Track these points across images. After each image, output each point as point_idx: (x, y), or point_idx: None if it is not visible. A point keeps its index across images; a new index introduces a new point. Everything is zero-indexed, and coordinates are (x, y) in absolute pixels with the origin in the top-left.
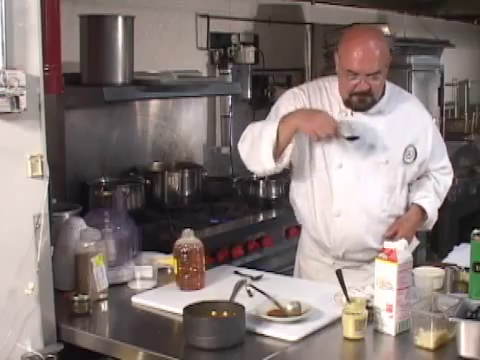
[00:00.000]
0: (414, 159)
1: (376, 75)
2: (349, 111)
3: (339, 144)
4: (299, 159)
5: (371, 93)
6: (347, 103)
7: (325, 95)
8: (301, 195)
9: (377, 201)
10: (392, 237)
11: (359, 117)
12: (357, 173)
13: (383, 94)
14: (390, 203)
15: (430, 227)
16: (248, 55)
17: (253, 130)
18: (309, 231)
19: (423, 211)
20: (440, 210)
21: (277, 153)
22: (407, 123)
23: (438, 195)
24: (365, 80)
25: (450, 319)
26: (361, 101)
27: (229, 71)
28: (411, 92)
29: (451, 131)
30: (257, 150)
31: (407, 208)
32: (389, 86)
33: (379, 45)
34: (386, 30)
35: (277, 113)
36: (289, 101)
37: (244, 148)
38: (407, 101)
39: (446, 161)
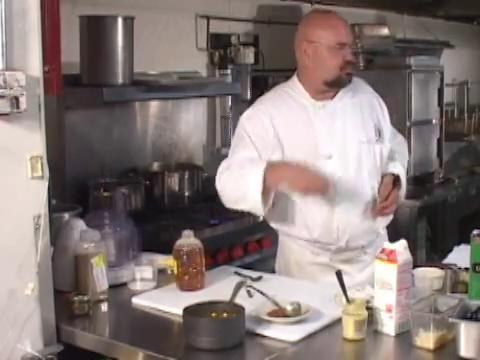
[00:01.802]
0: (381, 137)
1: (352, 46)
2: (320, 103)
3: (323, 135)
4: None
5: (355, 64)
6: (333, 83)
7: (289, 99)
8: (292, 198)
9: (366, 180)
10: (386, 200)
11: (331, 106)
12: (344, 159)
13: None
14: (376, 180)
15: (402, 198)
16: (248, 56)
17: (233, 178)
18: (302, 232)
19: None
20: (439, 210)
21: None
22: (368, 103)
23: (400, 163)
24: (351, 50)
25: (450, 320)
26: (349, 74)
27: (229, 72)
28: (411, 93)
29: (451, 132)
30: (244, 201)
31: None
32: None
33: (345, 20)
34: (386, 31)
35: (243, 140)
36: (253, 122)
37: (225, 193)
38: (360, 83)
39: (396, 133)
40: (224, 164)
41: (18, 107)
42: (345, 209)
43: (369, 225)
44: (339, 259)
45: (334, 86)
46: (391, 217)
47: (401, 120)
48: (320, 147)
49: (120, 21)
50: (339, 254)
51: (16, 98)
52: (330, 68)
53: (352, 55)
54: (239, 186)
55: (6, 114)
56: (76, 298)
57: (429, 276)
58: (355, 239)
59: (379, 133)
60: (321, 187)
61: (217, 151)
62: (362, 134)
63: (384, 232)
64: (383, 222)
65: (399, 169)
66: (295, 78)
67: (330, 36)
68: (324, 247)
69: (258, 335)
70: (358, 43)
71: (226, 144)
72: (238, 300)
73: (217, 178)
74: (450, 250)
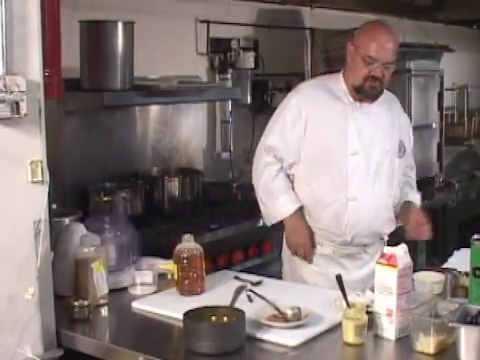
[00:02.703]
0: (403, 153)
1: (389, 65)
2: (357, 104)
3: (353, 132)
4: (311, 150)
5: (382, 82)
6: (358, 90)
7: (328, 91)
8: (307, 183)
9: (384, 186)
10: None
11: (368, 108)
12: (369, 159)
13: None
14: (392, 190)
15: None
16: (248, 60)
17: (264, 194)
18: (314, 220)
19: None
20: (440, 214)
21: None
22: (397, 120)
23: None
24: (381, 68)
25: (450, 324)
26: (373, 88)
27: (229, 76)
28: (411, 97)
29: (451, 136)
30: (264, 209)
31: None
32: None
33: (395, 38)
34: None
35: (279, 123)
36: (291, 105)
37: (256, 191)
38: (394, 100)
39: (412, 159)
40: (265, 156)
41: (18, 112)
42: (359, 206)
43: (377, 228)
44: (341, 253)
45: (359, 93)
46: (394, 226)
47: None
48: (348, 143)
49: (120, 26)
50: (342, 247)
51: (16, 103)
52: (357, 75)
53: (381, 72)
54: (266, 203)
55: (6, 118)
56: (76, 303)
57: (429, 280)
58: (360, 237)
59: (403, 149)
60: (300, 254)
61: (217, 155)
62: (388, 144)
63: (386, 238)
64: (389, 229)
65: (417, 198)
66: (340, 74)
67: (366, 47)
68: (330, 238)
69: (258, 339)
70: None
71: (226, 149)
72: (238, 304)
73: (254, 167)
74: (450, 254)
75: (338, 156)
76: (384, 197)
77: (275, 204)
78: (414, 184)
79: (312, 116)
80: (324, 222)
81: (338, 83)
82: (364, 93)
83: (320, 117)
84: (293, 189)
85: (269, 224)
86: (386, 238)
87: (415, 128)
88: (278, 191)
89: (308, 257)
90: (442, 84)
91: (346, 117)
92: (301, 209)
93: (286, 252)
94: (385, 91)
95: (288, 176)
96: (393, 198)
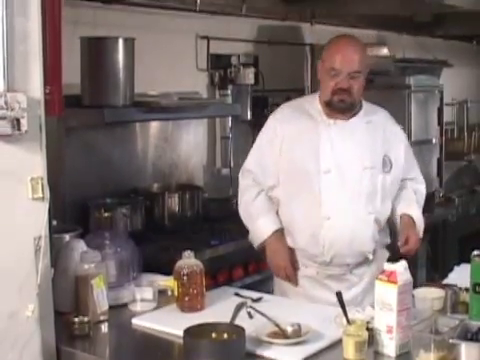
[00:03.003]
0: (390, 168)
1: (355, 75)
2: (332, 121)
3: (326, 150)
4: (287, 170)
5: (351, 93)
6: (328, 105)
7: (304, 111)
8: (286, 204)
9: (362, 204)
10: (406, 243)
11: (343, 124)
12: (343, 178)
13: (361, 107)
14: (373, 207)
15: (420, 235)
16: (248, 76)
17: (247, 215)
18: (294, 241)
19: (412, 219)
20: (440, 229)
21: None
22: (382, 134)
23: (419, 204)
24: (346, 78)
25: (451, 341)
26: (341, 101)
27: (229, 92)
28: (411, 112)
29: (451, 151)
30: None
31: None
32: (364, 101)
33: (359, 48)
34: (385, 51)
35: (260, 144)
36: (269, 126)
37: (240, 213)
38: (381, 114)
39: (418, 173)
40: (243, 179)
41: (19, 128)
42: (334, 226)
43: (358, 247)
44: (325, 274)
45: (329, 107)
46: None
47: None
48: (321, 161)
49: (121, 42)
50: (325, 268)
51: (17, 120)
52: (325, 90)
53: (347, 83)
54: (248, 226)
55: (7, 135)
56: (76, 319)
57: (429, 297)
58: (341, 257)
59: (389, 165)
60: (282, 276)
61: (217, 172)
62: (367, 160)
63: (379, 257)
64: (372, 247)
65: (415, 211)
66: (317, 94)
67: (330, 60)
68: (311, 258)
69: (259, 356)
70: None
71: (226, 165)
72: (238, 321)
73: (239, 189)
74: (450, 269)
75: (311, 175)
76: (363, 215)
77: (255, 227)
78: (416, 197)
79: (287, 137)
80: (303, 243)
81: (314, 102)
82: (334, 107)
83: (294, 137)
84: (277, 212)
85: (255, 247)
86: (371, 257)
87: (415, 143)
88: (257, 213)
89: (291, 279)
90: (442, 99)
91: (319, 135)
92: (281, 231)
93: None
94: (370, 105)
95: (271, 199)
96: (376, 215)
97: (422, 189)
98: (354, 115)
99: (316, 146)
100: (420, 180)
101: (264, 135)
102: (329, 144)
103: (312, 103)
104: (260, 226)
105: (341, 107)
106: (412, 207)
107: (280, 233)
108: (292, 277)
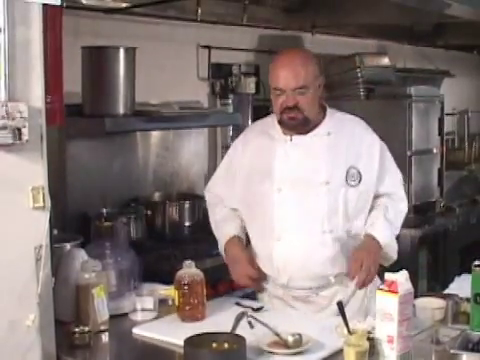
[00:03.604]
0: (359, 182)
1: (302, 90)
2: (288, 137)
3: (279, 167)
4: (245, 195)
5: (300, 109)
6: (281, 123)
7: (265, 130)
8: (248, 228)
9: (318, 222)
10: (359, 268)
11: (300, 140)
12: (296, 195)
13: (324, 118)
14: (332, 225)
15: (394, 256)
16: (249, 85)
17: (213, 224)
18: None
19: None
20: (440, 239)
21: None
22: (349, 144)
23: (389, 221)
24: (292, 96)
25: (452, 351)
26: (291, 119)
27: (230, 101)
28: (411, 122)
29: (451, 161)
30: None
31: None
32: (331, 111)
33: (302, 61)
34: (386, 60)
35: (224, 161)
36: (234, 145)
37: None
38: (350, 123)
39: (396, 188)
40: (209, 197)
41: (20, 138)
42: (286, 246)
43: (314, 269)
44: (290, 295)
45: (282, 126)
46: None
47: (402, 149)
48: (274, 179)
49: (122, 52)
50: (287, 290)
51: (18, 129)
52: (275, 109)
53: (293, 100)
54: (216, 232)
55: (8, 145)
56: (77, 329)
57: (430, 307)
58: (298, 280)
59: (357, 177)
60: (244, 283)
61: None
62: (324, 175)
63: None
64: (334, 270)
65: (380, 230)
66: None
67: (272, 80)
68: (273, 280)
69: None
70: (359, 73)
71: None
72: (239, 331)
73: (207, 205)
74: (451, 279)
75: (265, 195)
76: (318, 234)
77: (218, 235)
78: (386, 213)
79: (247, 156)
80: (261, 264)
81: (274, 120)
82: (285, 126)
83: (251, 158)
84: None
85: (224, 259)
86: (333, 280)
87: (416, 153)
88: (219, 222)
89: (256, 286)
90: (442, 109)
91: (274, 153)
92: (239, 239)
93: None
94: (340, 114)
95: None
96: (337, 234)
97: (400, 207)
98: (314, 127)
99: (270, 165)
100: (399, 196)
101: (226, 160)
102: (284, 162)
103: (273, 121)
104: (220, 235)
105: (293, 125)
106: (376, 225)
107: (237, 239)
108: (255, 282)
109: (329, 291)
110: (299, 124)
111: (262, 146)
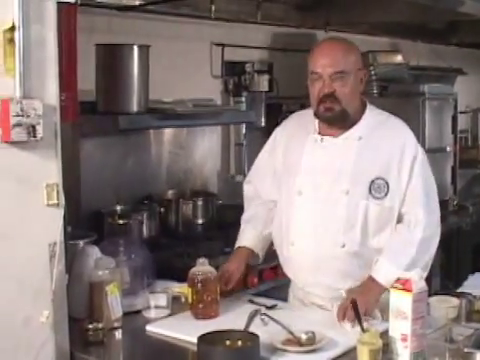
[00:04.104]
0: (386, 194)
1: (341, 76)
2: (319, 137)
3: (304, 169)
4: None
5: (337, 98)
6: (317, 116)
7: (301, 126)
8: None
9: (332, 233)
10: (344, 310)
11: (330, 142)
12: (315, 202)
13: (361, 118)
14: (347, 238)
15: (422, 274)
16: (262, 83)
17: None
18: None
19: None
20: (454, 237)
21: None
22: (381, 152)
23: (393, 256)
24: (329, 82)
25: (465, 349)
26: (327, 109)
27: (243, 99)
28: (425, 120)
29: (465, 159)
30: None
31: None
32: (372, 112)
33: (344, 47)
34: (400, 58)
35: (263, 155)
36: (271, 139)
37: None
38: (388, 127)
39: (419, 209)
40: (245, 190)
41: (35, 135)
42: (299, 252)
43: (325, 281)
44: (309, 300)
45: (319, 119)
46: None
47: None
48: (296, 181)
49: (136, 49)
50: (306, 293)
51: (33, 126)
52: (312, 100)
53: (330, 86)
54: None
55: (23, 142)
56: (90, 325)
57: (444, 305)
58: (311, 287)
59: (384, 190)
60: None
61: (231, 178)
62: (347, 184)
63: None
64: (347, 284)
65: (379, 271)
66: None
67: (311, 65)
68: (294, 281)
69: None
70: (372, 70)
71: (240, 171)
72: (252, 328)
73: (244, 194)
74: (465, 278)
75: (288, 195)
76: (329, 246)
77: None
78: (393, 246)
79: (280, 153)
80: (281, 263)
81: (312, 115)
82: (321, 119)
83: (285, 154)
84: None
85: None
86: (344, 295)
87: (429, 151)
88: (244, 222)
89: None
90: (456, 107)
91: (302, 153)
92: (246, 251)
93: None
94: (380, 115)
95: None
96: (353, 248)
97: (414, 234)
98: (349, 128)
99: (297, 164)
100: (417, 219)
101: (267, 145)
102: (309, 164)
103: (312, 115)
104: (238, 238)
105: (328, 117)
106: (378, 263)
107: (243, 250)
108: (229, 284)
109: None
110: (336, 117)
111: (296, 142)
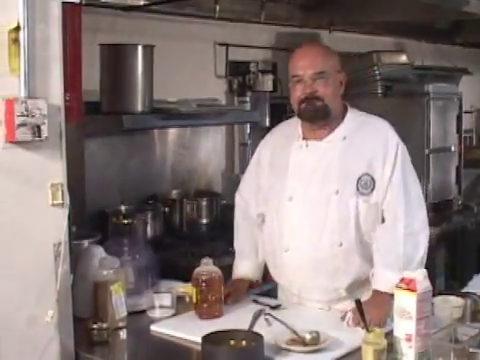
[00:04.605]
0: (372, 190)
1: (321, 76)
2: (304, 143)
3: (292, 176)
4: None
5: (319, 97)
6: (299, 116)
7: (286, 134)
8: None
9: (328, 234)
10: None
11: (315, 146)
12: (306, 205)
13: (343, 121)
14: (343, 237)
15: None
16: (266, 83)
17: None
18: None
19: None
20: (458, 237)
21: None
22: (365, 149)
23: (385, 261)
24: (310, 83)
25: (470, 349)
26: (310, 105)
27: (247, 99)
28: (429, 120)
29: (469, 159)
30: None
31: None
32: (353, 114)
33: (322, 50)
34: (404, 58)
35: (249, 167)
36: (257, 150)
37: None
38: (370, 125)
39: (395, 204)
40: (236, 205)
41: (39, 135)
42: (295, 257)
43: (325, 283)
44: (305, 306)
45: (301, 118)
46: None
47: (419, 147)
48: (286, 187)
49: (140, 49)
50: (302, 299)
51: (38, 126)
52: (293, 103)
53: (311, 87)
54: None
55: (28, 142)
56: (95, 325)
57: (449, 305)
58: (308, 291)
59: (370, 185)
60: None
61: (236, 178)
62: (336, 184)
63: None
64: (346, 283)
65: (379, 281)
66: None
67: (291, 68)
68: (288, 289)
69: None
70: (376, 70)
71: (245, 171)
72: (257, 328)
73: (236, 203)
74: (469, 277)
75: (278, 203)
76: (327, 247)
77: (235, 262)
78: (380, 250)
79: (266, 163)
80: (273, 273)
81: (296, 123)
82: (304, 117)
83: (270, 163)
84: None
85: None
86: (344, 294)
87: (433, 151)
88: (237, 252)
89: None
90: (461, 107)
91: (289, 159)
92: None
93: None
94: (361, 116)
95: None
96: (349, 246)
97: (396, 232)
98: (332, 131)
99: (285, 171)
100: (397, 218)
101: (252, 160)
102: (298, 168)
103: (296, 124)
104: (235, 263)
105: (310, 114)
106: (375, 275)
107: (238, 281)
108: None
109: (342, 304)
110: (318, 113)
111: (281, 151)
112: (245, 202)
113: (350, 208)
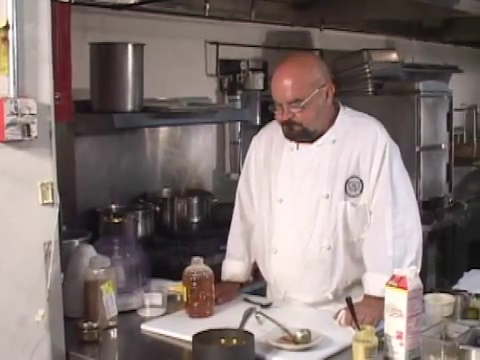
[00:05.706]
0: (360, 192)
1: (297, 105)
2: (295, 146)
3: (282, 178)
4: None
5: (296, 123)
6: (283, 134)
7: (275, 136)
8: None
9: (316, 237)
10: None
11: (306, 149)
12: (297, 208)
13: (334, 122)
14: (331, 241)
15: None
16: (257, 81)
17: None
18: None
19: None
20: (449, 235)
21: None
22: (353, 150)
23: (377, 267)
24: (287, 109)
25: (461, 347)
26: (290, 130)
27: (238, 97)
28: (420, 118)
29: (460, 156)
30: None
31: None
32: (345, 114)
33: (297, 73)
34: (395, 56)
35: (243, 171)
36: (249, 151)
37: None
38: (359, 125)
39: (382, 207)
40: (236, 208)
41: (29, 134)
42: (283, 260)
43: (312, 285)
44: (293, 306)
45: (285, 137)
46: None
47: (410, 145)
48: (276, 189)
49: (130, 48)
50: (289, 300)
51: (27, 125)
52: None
53: (288, 115)
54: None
55: (17, 141)
56: (85, 325)
57: (439, 303)
58: (295, 293)
59: (359, 187)
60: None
61: (227, 177)
62: (325, 187)
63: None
64: (333, 286)
65: (370, 284)
66: None
67: (271, 89)
68: (274, 290)
69: None
70: (367, 69)
71: (235, 170)
72: (248, 327)
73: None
74: (460, 275)
75: (268, 204)
76: (315, 250)
77: (224, 262)
78: (368, 255)
79: (258, 163)
80: (263, 273)
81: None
82: (287, 137)
83: (262, 164)
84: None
85: None
86: (330, 297)
87: (424, 149)
88: (227, 253)
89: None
90: (451, 105)
91: (280, 162)
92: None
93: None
94: (354, 117)
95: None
96: (335, 249)
97: (383, 235)
98: (322, 134)
99: (275, 173)
100: (384, 220)
101: (246, 159)
102: (288, 172)
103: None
104: (225, 263)
105: (291, 136)
106: (366, 280)
107: (228, 283)
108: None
109: (328, 306)
110: (298, 136)
111: (272, 152)
112: (243, 203)
113: (339, 211)
